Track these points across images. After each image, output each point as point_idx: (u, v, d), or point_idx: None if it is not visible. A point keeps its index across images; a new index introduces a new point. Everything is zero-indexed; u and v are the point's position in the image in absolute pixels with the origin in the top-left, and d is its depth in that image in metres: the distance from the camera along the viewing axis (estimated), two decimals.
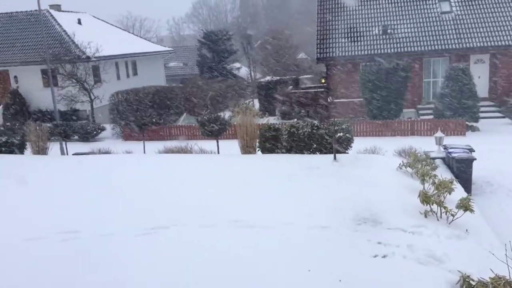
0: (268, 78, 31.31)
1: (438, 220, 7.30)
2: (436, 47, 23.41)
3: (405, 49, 23.73)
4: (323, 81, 29.79)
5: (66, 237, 6.74)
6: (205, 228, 6.97)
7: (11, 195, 9.16)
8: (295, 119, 21.97)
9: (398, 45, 24.00)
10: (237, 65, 44.10)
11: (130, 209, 8.05)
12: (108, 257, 6.06)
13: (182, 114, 27.42)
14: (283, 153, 12.41)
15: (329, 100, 24.35)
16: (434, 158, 11.74)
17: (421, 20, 24.75)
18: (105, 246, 6.42)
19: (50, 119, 25.31)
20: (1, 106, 28.04)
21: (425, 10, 25.13)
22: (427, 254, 6.00)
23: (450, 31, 23.80)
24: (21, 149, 14.62)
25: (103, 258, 6.05)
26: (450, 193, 7.81)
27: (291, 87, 28.19)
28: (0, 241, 6.67)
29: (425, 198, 7.41)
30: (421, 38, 23.95)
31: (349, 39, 24.81)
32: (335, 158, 11.04)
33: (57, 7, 32.33)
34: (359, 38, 24.75)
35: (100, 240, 6.65)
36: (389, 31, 24.59)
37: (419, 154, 11.22)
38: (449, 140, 14.64)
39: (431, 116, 21.70)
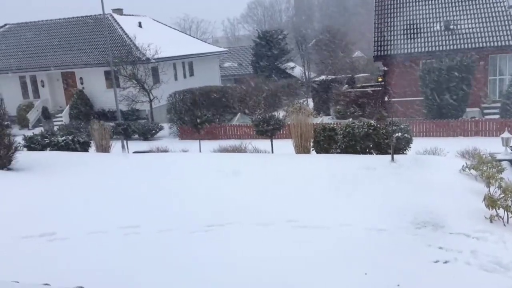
0: (322, 77, 30.96)
1: (504, 225, 6.90)
2: (503, 43, 22.06)
3: (469, 45, 22.55)
4: (379, 79, 29.01)
5: (128, 232, 7.03)
6: (261, 227, 7.00)
7: (79, 189, 9.67)
8: (351, 119, 21.57)
9: (461, 41, 22.86)
10: (291, 64, 43.96)
11: (187, 206, 8.26)
12: (167, 252, 6.25)
13: (237, 113, 27.74)
14: (338, 153, 12.22)
15: (386, 99, 23.67)
16: (500, 160, 11.08)
17: (486, 15, 23.43)
18: (164, 241, 6.63)
19: (112, 118, 26.50)
20: (68, 106, 29.73)
21: (491, 5, 23.76)
22: (492, 261, 5.69)
23: None
24: (86, 146, 15.40)
25: (163, 252, 6.24)
26: None
27: (346, 86, 27.70)
28: (65, 234, 7.06)
29: (490, 202, 7.03)
30: (486, 33, 22.67)
31: (408, 35, 23.96)
32: (392, 159, 10.72)
33: (119, 11, 33.77)
34: (419, 34, 23.83)
35: (159, 235, 6.87)
36: (451, 26, 23.49)
37: (484, 156, 10.63)
38: None
39: (497, 116, 20.50)
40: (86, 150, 15.37)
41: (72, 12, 52.52)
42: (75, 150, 14.82)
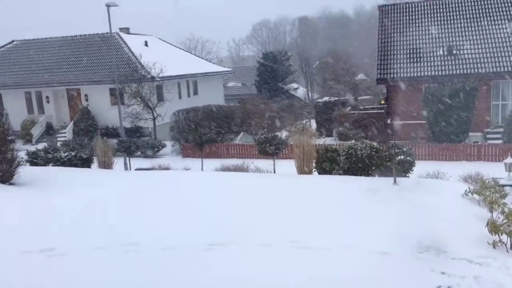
0: (325, 98, 31.15)
1: (507, 251, 6.84)
2: (505, 68, 22.21)
3: (472, 70, 22.71)
4: (382, 102, 29.15)
5: (127, 249, 6.99)
6: (262, 247, 6.95)
7: (80, 205, 9.65)
8: (353, 141, 21.60)
9: (464, 66, 23.03)
10: (294, 85, 44.33)
11: (187, 224, 8.22)
12: (166, 271, 6.20)
13: (240, 133, 27.83)
14: (340, 174, 12.20)
15: (389, 121, 23.74)
16: (503, 185, 11.03)
17: (489, 41, 23.65)
18: (164, 260, 6.58)
19: (116, 135, 26.60)
20: (72, 122, 29.90)
21: (493, 31, 24.01)
22: (495, 287, 5.62)
23: None
24: (88, 162, 15.44)
25: (162, 271, 6.19)
26: None
27: (349, 107, 27.83)
28: (64, 250, 7.02)
29: (493, 228, 6.97)
30: (489, 59, 22.85)
31: (412, 59, 24.16)
32: (395, 181, 10.69)
33: (126, 30, 34.27)
34: (422, 58, 24.04)
35: (159, 253, 6.83)
36: (454, 51, 23.71)
37: (487, 181, 10.59)
38: None
39: (500, 141, 20.49)
40: (89, 166, 15.40)
41: (79, 30, 53.30)
42: (78, 166, 14.84)
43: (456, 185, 11.19)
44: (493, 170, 13.33)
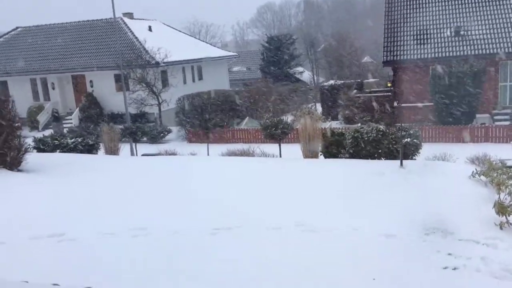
0: (331, 82, 30.94)
1: None
2: None
3: (479, 51, 22.42)
4: (389, 84, 28.90)
5: (136, 233, 7.06)
6: (270, 230, 6.99)
7: (85, 191, 9.73)
8: (359, 124, 21.50)
9: (472, 47, 22.73)
10: (300, 69, 44.01)
11: (195, 209, 8.27)
12: (176, 254, 6.26)
13: (245, 117, 27.79)
14: (346, 158, 12.18)
15: (395, 104, 23.57)
16: (511, 167, 10.97)
17: (496, 21, 23.28)
18: (172, 245, 6.64)
19: (121, 121, 26.67)
20: (77, 108, 29.98)
21: (501, 11, 23.60)
22: (503, 268, 5.62)
23: None
24: (95, 149, 15.52)
25: (170, 255, 6.25)
26: None
27: (355, 91, 27.63)
28: (74, 235, 7.10)
29: (500, 209, 6.95)
30: (497, 40, 22.52)
31: (419, 41, 23.86)
32: (401, 164, 10.66)
33: (130, 15, 34.06)
34: (429, 40, 23.73)
35: (168, 238, 6.89)
36: (462, 32, 23.37)
37: (494, 162, 10.53)
38: None
39: (508, 122, 20.32)
40: (95, 153, 15.48)
41: (82, 16, 53.04)
42: (84, 152, 14.93)
43: (463, 167, 11.14)
44: (500, 152, 13.26)
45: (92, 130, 21.34)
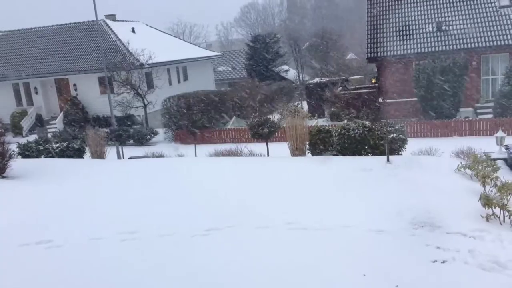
0: (316, 79, 31.03)
1: (501, 224, 6.94)
2: (495, 43, 22.23)
3: (461, 46, 22.70)
4: (373, 81, 29.12)
5: (124, 238, 7.00)
6: (260, 230, 7.00)
7: (73, 196, 9.62)
8: (345, 121, 21.63)
9: (454, 42, 23.01)
10: (285, 67, 44.05)
11: (184, 210, 8.23)
12: (164, 258, 6.23)
13: (232, 117, 27.74)
14: (333, 155, 12.24)
15: (380, 100, 23.77)
16: (495, 159, 11.15)
17: (477, 15, 23.61)
18: (162, 247, 6.60)
19: (107, 124, 26.40)
20: (62, 112, 29.60)
21: (482, 5, 23.94)
22: (490, 259, 5.71)
23: (510, 26, 22.53)
24: (80, 153, 15.35)
25: (159, 258, 6.21)
26: None
27: (340, 88, 27.77)
28: (61, 241, 7.02)
29: (486, 201, 7.07)
30: (478, 34, 22.84)
31: (401, 37, 24.08)
32: (388, 159, 10.75)
33: (112, 17, 33.71)
34: (411, 36, 23.96)
35: (157, 240, 6.84)
36: (443, 27, 23.65)
37: (478, 155, 10.69)
38: (510, 140, 13.86)
39: (491, 115, 20.62)
40: (81, 157, 15.31)
41: (64, 19, 52.40)
42: (70, 156, 14.76)
43: (449, 161, 11.29)
44: (484, 145, 13.44)
45: (77, 134, 21.08)
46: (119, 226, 7.50)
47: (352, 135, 11.85)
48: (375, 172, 9.96)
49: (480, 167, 9.21)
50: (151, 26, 37.91)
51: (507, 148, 12.02)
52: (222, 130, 23.61)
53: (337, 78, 30.78)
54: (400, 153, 12.10)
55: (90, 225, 7.73)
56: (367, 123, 12.35)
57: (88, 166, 12.96)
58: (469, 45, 22.62)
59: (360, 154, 12.00)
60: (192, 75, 35.34)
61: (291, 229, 6.95)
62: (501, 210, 6.97)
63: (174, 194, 9.41)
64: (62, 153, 14.81)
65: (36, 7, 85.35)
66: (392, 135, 11.65)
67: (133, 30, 33.09)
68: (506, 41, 22.11)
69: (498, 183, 7.88)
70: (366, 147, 11.98)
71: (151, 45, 29.32)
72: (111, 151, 15.97)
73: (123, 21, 34.69)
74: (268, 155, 14.53)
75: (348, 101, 24.92)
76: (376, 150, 11.89)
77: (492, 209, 7.05)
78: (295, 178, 10.07)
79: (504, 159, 11.83)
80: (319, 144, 12.44)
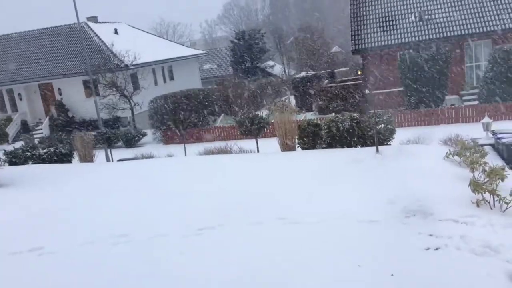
0: (303, 74, 31.10)
1: (491, 209, 7.02)
2: (477, 30, 22.48)
3: (444, 34, 22.92)
4: (359, 72, 29.27)
5: (115, 241, 6.94)
6: (253, 226, 6.99)
7: (63, 201, 9.52)
8: (333, 113, 21.71)
9: (436, 30, 23.21)
10: (270, 63, 44.06)
11: (176, 210, 8.20)
12: (157, 259, 6.20)
13: (220, 115, 27.68)
14: (323, 148, 12.28)
15: (367, 91, 23.90)
16: (482, 145, 11.31)
17: (459, 3, 23.84)
18: (154, 249, 6.57)
19: (94, 127, 26.18)
20: (47, 117, 29.27)
21: None
22: (482, 244, 5.77)
23: (491, 12, 22.78)
24: (68, 157, 15.19)
25: (153, 259, 6.18)
26: (502, 180, 7.46)
27: (326, 81, 27.87)
28: (53, 248, 6.95)
29: (476, 187, 7.14)
30: (460, 22, 23.06)
31: (385, 28, 24.23)
32: (377, 150, 10.82)
33: (94, 19, 33.37)
34: (394, 26, 24.13)
35: (149, 242, 6.81)
36: (426, 16, 23.83)
37: (466, 142, 10.81)
38: (497, 126, 14.05)
39: (476, 102, 20.88)
40: (69, 161, 15.16)
41: (44, 23, 51.66)
42: (58, 162, 14.61)
43: (437, 148, 11.40)
44: (471, 131, 13.60)
45: (64, 138, 20.85)
46: (110, 229, 7.44)
47: (341, 128, 11.90)
48: (366, 163, 10.02)
49: (468, 154, 9.30)
50: (134, 27, 37.61)
51: (493, 133, 12.18)
52: (211, 128, 23.56)
53: (323, 71, 30.89)
54: (389, 143, 12.18)
55: (81, 229, 7.66)
56: (355, 115, 12.41)
57: (76, 171, 12.83)
58: (451, 33, 22.85)
59: (349, 146, 12.06)
60: (177, 74, 35.17)
61: (284, 224, 6.96)
62: (491, 195, 7.05)
63: (164, 194, 9.36)
64: (50, 159, 14.64)
65: (14, 12, 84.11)
66: (380, 126, 11.72)
67: (116, 32, 32.80)
68: (488, 28, 22.37)
69: (487, 168, 7.97)
70: (355, 138, 12.04)
71: (135, 46, 29.12)
72: (99, 154, 15.84)
73: (105, 22, 34.35)
74: (258, 151, 14.55)
75: (335, 94, 25.02)
76: (365, 141, 11.95)
77: (482, 195, 7.12)
78: (286, 173, 10.09)
79: (491, 145, 11.99)
80: (309, 138, 12.47)
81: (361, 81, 25.56)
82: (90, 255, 6.59)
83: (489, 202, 7.09)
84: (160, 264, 6.03)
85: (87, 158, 15.04)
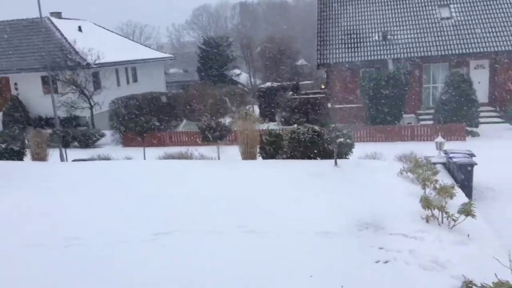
0: (268, 84, 31.35)
1: (439, 225, 7.27)
2: (436, 52, 23.45)
3: (405, 54, 23.77)
4: (323, 86, 29.82)
5: (68, 243, 6.70)
6: (208, 234, 6.93)
7: (13, 201, 9.12)
8: (296, 125, 21.95)
9: (398, 50, 24.04)
10: (237, 71, 44.19)
11: (131, 214, 8.02)
12: (111, 264, 6.03)
13: (182, 120, 27.41)
14: (284, 158, 12.38)
15: (329, 105, 24.36)
16: (435, 163, 11.71)
17: (421, 26, 24.82)
18: (108, 253, 6.38)
19: (50, 125, 25.28)
20: (1, 112, 28.04)
21: (425, 16, 25.20)
22: (429, 259, 5.96)
23: (450, 37, 23.84)
24: (20, 155, 14.59)
25: (105, 265, 6.01)
26: (451, 198, 7.78)
27: (291, 93, 28.21)
28: (3, 247, 6.63)
29: (426, 203, 7.38)
30: (421, 44, 24.00)
31: (349, 45, 24.86)
32: (336, 163, 11.02)
33: (58, 15, 32.39)
34: (358, 44, 24.80)
35: (103, 247, 6.61)
36: (389, 37, 24.64)
37: (419, 159, 11.19)
38: (449, 146, 14.61)
39: (431, 122, 21.70)
40: (21, 159, 14.56)
41: (6, 15, 49.73)
42: (9, 159, 14.00)
43: (392, 164, 11.71)
44: (425, 150, 14.06)
45: (17, 135, 20.02)
46: (62, 231, 7.18)
47: (302, 139, 12.05)
48: (323, 175, 10.18)
49: (420, 171, 9.62)
50: (99, 26, 36.78)
51: (445, 153, 12.66)
52: (172, 133, 23.28)
53: (288, 83, 31.25)
54: (347, 157, 12.42)
55: (31, 231, 7.36)
56: (316, 127, 12.60)
57: (27, 169, 12.34)
58: (412, 54, 23.73)
59: (309, 158, 12.21)
60: (142, 76, 34.63)
61: (241, 233, 6.94)
62: (440, 212, 7.31)
63: (120, 197, 9.14)
64: (0, 155, 14.01)
65: None
66: (340, 140, 11.95)
67: (79, 29, 31.97)
68: (446, 51, 23.38)
69: (438, 186, 8.28)
70: (315, 151, 12.21)
71: (99, 45, 28.44)
72: (54, 154, 15.31)
73: (69, 19, 33.41)
74: (219, 158, 14.47)
75: (299, 106, 25.35)
76: (325, 154, 12.14)
77: (431, 211, 7.37)
78: (246, 182, 10.09)
79: (443, 163, 12.44)
80: (270, 147, 12.54)
81: (324, 95, 26.04)
82: (40, 256, 6.35)
83: (438, 218, 7.34)
84: (109, 268, 5.86)
85: (40, 156, 14.49)
